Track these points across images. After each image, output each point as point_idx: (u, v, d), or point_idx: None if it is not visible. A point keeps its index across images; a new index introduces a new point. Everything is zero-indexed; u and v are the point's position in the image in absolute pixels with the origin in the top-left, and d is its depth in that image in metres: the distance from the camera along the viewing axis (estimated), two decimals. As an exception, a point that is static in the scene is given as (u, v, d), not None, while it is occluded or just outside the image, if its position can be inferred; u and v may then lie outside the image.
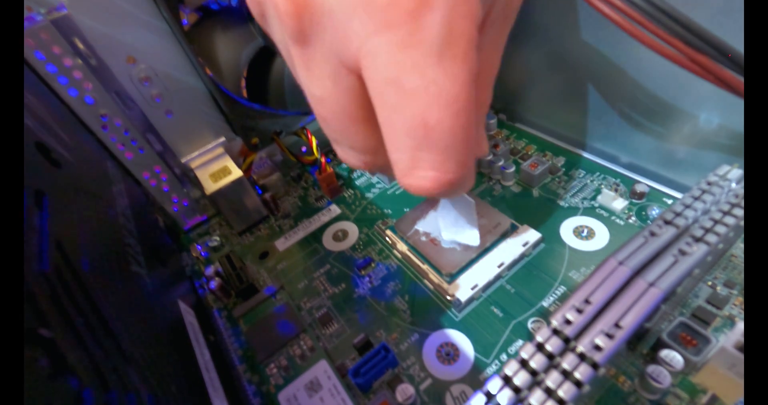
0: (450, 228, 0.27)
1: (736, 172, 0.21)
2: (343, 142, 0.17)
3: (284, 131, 0.35)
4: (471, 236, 0.27)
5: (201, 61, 0.29)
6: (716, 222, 0.18)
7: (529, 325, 0.24)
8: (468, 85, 0.13)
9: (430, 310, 0.26)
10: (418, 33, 0.12)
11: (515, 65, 0.35)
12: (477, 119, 0.17)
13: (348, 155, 0.18)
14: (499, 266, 0.26)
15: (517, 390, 0.15)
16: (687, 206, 0.19)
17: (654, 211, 0.27)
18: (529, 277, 0.26)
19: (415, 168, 0.15)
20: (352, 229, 0.32)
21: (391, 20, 0.12)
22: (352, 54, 0.13)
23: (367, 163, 0.18)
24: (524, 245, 0.27)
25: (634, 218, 0.28)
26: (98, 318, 0.15)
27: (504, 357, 0.23)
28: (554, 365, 0.15)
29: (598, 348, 0.15)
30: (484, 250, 0.28)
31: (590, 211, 0.29)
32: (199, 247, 0.34)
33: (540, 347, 0.16)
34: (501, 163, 0.32)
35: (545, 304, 0.24)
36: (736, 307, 0.21)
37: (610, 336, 0.15)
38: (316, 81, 0.15)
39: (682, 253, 0.17)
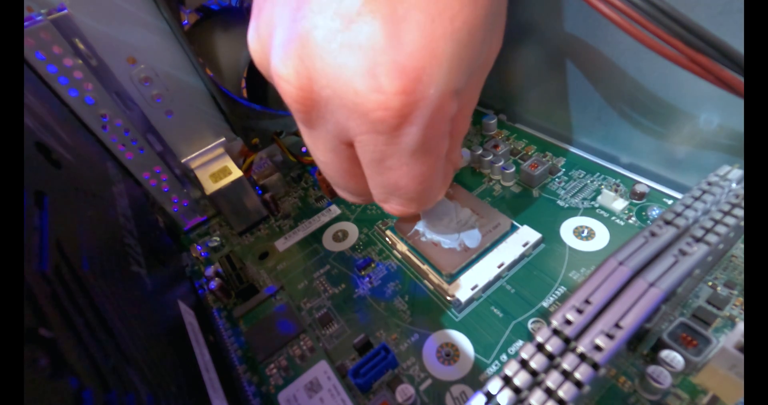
0: (432, 228, 0.29)
1: (737, 173, 0.21)
2: (346, 190, 0.22)
3: (284, 131, 0.35)
4: (451, 235, 0.28)
5: (201, 61, 0.29)
6: (716, 222, 0.18)
7: (529, 326, 0.24)
8: (432, 166, 0.18)
9: (430, 310, 0.26)
10: (398, 138, 0.16)
11: (515, 66, 0.35)
12: (456, 145, 0.23)
13: (347, 196, 0.23)
14: (499, 266, 0.26)
15: (517, 390, 0.15)
16: (687, 206, 0.19)
17: (654, 212, 0.27)
18: (529, 278, 0.26)
19: (387, 203, 0.21)
20: (352, 230, 0.32)
21: (379, 129, 0.16)
22: (348, 138, 0.17)
23: (363, 202, 0.23)
24: (524, 245, 0.27)
25: (634, 218, 0.27)
26: (98, 318, 0.15)
27: (504, 357, 0.23)
28: (554, 365, 0.15)
29: (598, 348, 0.15)
30: (484, 251, 0.28)
31: (590, 212, 0.29)
32: (199, 247, 0.34)
33: (540, 347, 0.16)
34: (501, 163, 0.32)
35: (545, 304, 0.24)
36: (736, 308, 0.21)
37: (610, 336, 0.15)
38: (321, 152, 0.19)
39: (683, 253, 0.17)
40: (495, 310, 0.25)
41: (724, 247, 0.20)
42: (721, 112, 0.24)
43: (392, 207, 0.21)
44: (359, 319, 0.26)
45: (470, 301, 0.25)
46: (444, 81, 0.15)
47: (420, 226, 0.30)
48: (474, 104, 0.21)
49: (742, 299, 0.21)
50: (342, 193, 0.23)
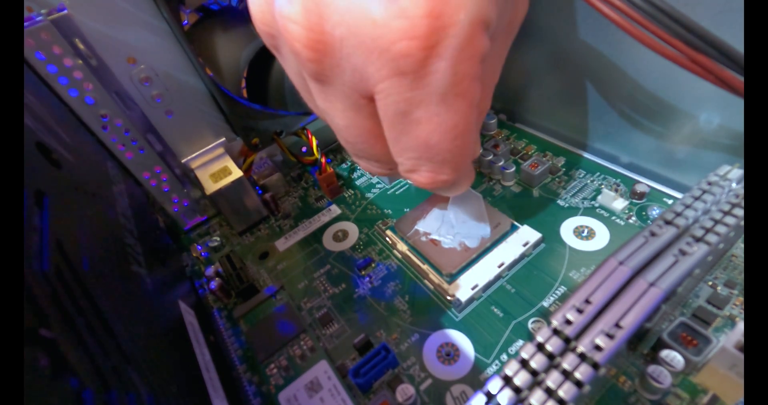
0: (461, 224, 0.28)
1: (737, 172, 0.21)
2: (369, 157, 0.19)
3: (284, 131, 0.35)
4: (481, 228, 0.28)
5: (201, 61, 0.29)
6: (717, 222, 0.18)
7: (530, 325, 0.24)
8: (466, 115, 0.15)
9: (431, 310, 0.26)
10: (426, 78, 0.14)
11: (515, 65, 0.35)
12: (476, 126, 0.19)
13: (373, 166, 0.20)
14: (500, 266, 0.26)
15: (517, 390, 0.15)
16: (687, 206, 0.19)
17: (654, 211, 0.27)
18: (530, 277, 0.26)
19: (417, 171, 0.18)
20: (352, 230, 0.32)
21: (402, 69, 0.14)
22: (369, 88, 0.15)
23: (390, 171, 0.20)
24: (524, 245, 0.27)
25: (634, 218, 0.27)
26: (98, 318, 0.15)
27: (504, 357, 0.23)
28: (555, 365, 0.15)
29: (598, 348, 0.15)
30: (484, 250, 0.28)
31: (590, 211, 0.29)
32: (200, 247, 0.34)
33: (540, 347, 0.16)
34: (501, 163, 0.32)
35: (545, 304, 0.24)
36: (736, 307, 0.21)
37: (610, 336, 0.15)
38: (339, 112, 0.17)
39: (683, 253, 0.17)
40: (495, 310, 0.25)
41: (724, 246, 0.20)
42: (721, 112, 0.24)
43: (422, 175, 0.18)
44: (359, 319, 0.26)
45: (470, 300, 0.25)
46: (475, 6, 0.13)
47: (420, 226, 0.30)
48: (497, 76, 0.19)
49: (742, 299, 0.21)
50: (366, 164, 0.20)
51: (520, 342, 0.23)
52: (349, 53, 0.14)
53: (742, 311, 0.21)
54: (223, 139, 0.34)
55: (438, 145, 0.16)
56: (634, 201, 0.28)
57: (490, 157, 0.33)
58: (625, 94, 0.28)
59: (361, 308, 0.27)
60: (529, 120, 0.38)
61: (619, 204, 0.28)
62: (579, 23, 0.28)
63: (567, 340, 0.16)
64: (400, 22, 0.13)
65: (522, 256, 0.27)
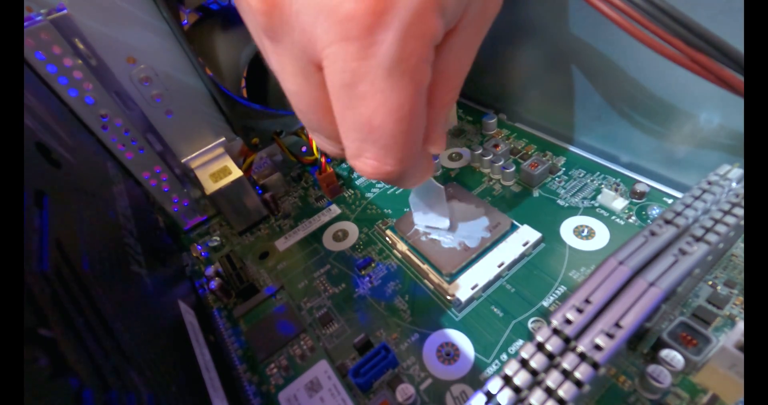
0: (421, 214, 0.29)
1: (737, 172, 0.21)
2: (321, 132, 0.19)
3: (284, 131, 0.35)
4: (441, 221, 0.28)
5: (201, 61, 0.29)
6: (717, 221, 0.18)
7: (530, 325, 0.24)
8: (413, 97, 0.15)
9: (431, 310, 0.26)
10: (372, 47, 0.14)
11: (515, 65, 0.35)
12: (437, 119, 0.19)
13: (326, 143, 0.19)
14: (500, 266, 0.26)
15: (517, 390, 0.15)
16: (687, 206, 0.19)
17: (654, 211, 0.27)
18: (530, 277, 0.26)
19: (360, 156, 0.17)
20: (352, 229, 0.32)
21: (349, 33, 0.13)
22: (317, 54, 0.15)
23: (340, 152, 0.19)
24: (524, 245, 0.27)
25: (634, 218, 0.27)
26: (98, 318, 0.15)
27: (504, 357, 0.23)
28: (554, 365, 0.15)
29: (598, 348, 0.15)
30: (484, 250, 0.28)
31: (590, 211, 0.29)
32: (200, 247, 0.34)
33: (540, 347, 0.16)
34: (501, 163, 0.32)
35: (545, 303, 0.24)
36: (736, 307, 0.21)
37: (610, 336, 0.15)
38: (290, 77, 0.17)
39: (683, 252, 0.17)
40: (495, 310, 0.25)
41: (724, 246, 0.20)
42: (721, 112, 0.24)
43: (366, 163, 0.17)
44: (359, 319, 0.26)
45: (470, 300, 0.25)
46: None
47: (420, 226, 0.30)
48: (465, 70, 0.18)
49: (742, 298, 0.21)
50: (319, 140, 0.20)
51: (520, 342, 0.23)
52: (299, 10, 0.14)
53: (742, 311, 0.21)
54: (223, 138, 0.34)
55: (381, 126, 0.16)
56: (634, 200, 0.28)
57: (490, 157, 0.33)
58: (625, 94, 0.28)
59: (361, 308, 0.27)
60: (528, 119, 0.38)
61: (619, 203, 0.28)
62: (578, 22, 0.28)
63: (567, 340, 0.16)
64: None
65: (522, 256, 0.27)
